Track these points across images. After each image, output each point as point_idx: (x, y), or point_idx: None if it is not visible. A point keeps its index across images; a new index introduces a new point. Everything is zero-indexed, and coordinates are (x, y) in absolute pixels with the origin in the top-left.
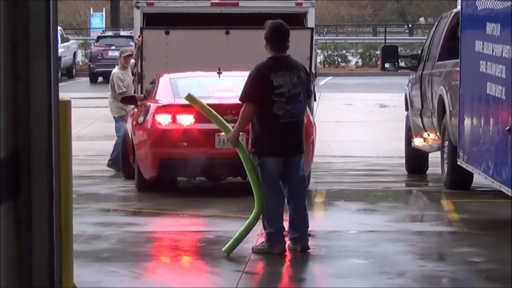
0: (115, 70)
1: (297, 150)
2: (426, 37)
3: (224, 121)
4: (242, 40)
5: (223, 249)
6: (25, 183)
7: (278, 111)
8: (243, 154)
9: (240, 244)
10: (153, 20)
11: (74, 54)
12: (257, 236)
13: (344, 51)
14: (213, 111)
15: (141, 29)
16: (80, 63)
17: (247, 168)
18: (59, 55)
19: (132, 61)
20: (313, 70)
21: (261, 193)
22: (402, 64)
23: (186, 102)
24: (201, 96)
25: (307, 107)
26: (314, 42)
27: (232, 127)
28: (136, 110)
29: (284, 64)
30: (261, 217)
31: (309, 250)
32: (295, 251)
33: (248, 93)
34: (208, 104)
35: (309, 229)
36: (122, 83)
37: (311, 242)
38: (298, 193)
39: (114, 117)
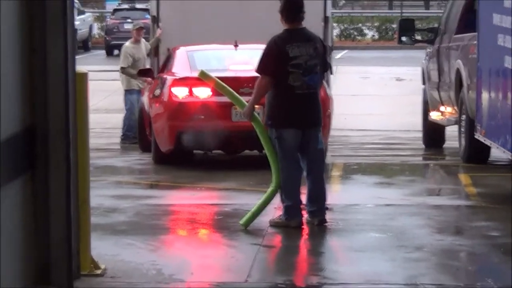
0: (126, 44)
1: (315, 122)
2: (442, 11)
3: (239, 96)
4: (259, 11)
5: (240, 222)
6: (42, 156)
7: (294, 82)
8: (260, 128)
9: (258, 218)
10: None
11: (90, 27)
12: (274, 210)
13: (360, 25)
14: (227, 86)
15: (155, 19)
16: (96, 36)
17: (263, 142)
18: (75, 28)
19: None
20: (329, 44)
21: (279, 166)
22: (418, 37)
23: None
24: (217, 69)
25: (324, 81)
26: (329, 14)
27: (247, 101)
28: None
29: (300, 36)
30: (278, 190)
31: (326, 224)
32: (313, 225)
33: (263, 65)
34: (225, 77)
35: (326, 202)
36: (128, 58)
37: (328, 216)
38: (316, 167)
39: (124, 90)
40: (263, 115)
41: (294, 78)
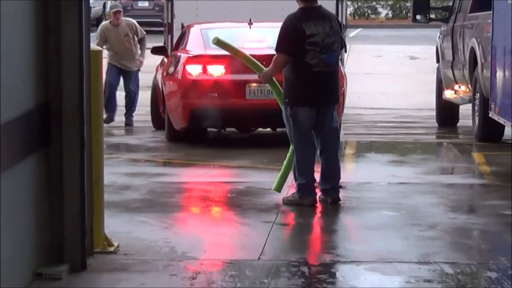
0: (104, 22)
1: (331, 99)
2: None
3: (255, 61)
4: None
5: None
6: (56, 133)
7: (311, 60)
8: (276, 90)
9: (271, 195)
10: None
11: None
12: (288, 188)
13: (374, 3)
14: (243, 52)
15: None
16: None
17: (280, 103)
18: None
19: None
20: (343, 22)
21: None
22: (433, 16)
23: (217, 52)
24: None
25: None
26: None
27: None
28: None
29: (316, 14)
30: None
31: (339, 202)
32: (326, 203)
33: (280, 44)
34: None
35: (340, 181)
36: (100, 37)
37: (342, 194)
38: (331, 145)
39: None
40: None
41: (312, 56)
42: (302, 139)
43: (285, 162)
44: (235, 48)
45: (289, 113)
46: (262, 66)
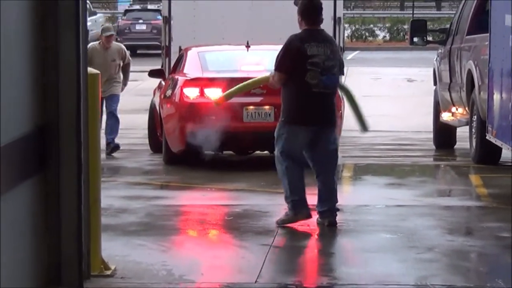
0: (93, 44)
1: (328, 121)
2: (453, 12)
3: (250, 81)
4: (269, 12)
5: (361, 131)
6: (54, 156)
7: (311, 80)
8: None
9: (268, 218)
10: None
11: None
12: (284, 210)
13: (371, 25)
14: (240, 85)
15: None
16: None
17: None
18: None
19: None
20: (340, 44)
21: (280, 164)
22: (430, 38)
23: (214, 75)
24: (229, 69)
25: None
26: (340, 15)
27: (260, 101)
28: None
29: (318, 36)
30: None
31: (337, 225)
32: (323, 225)
33: (279, 63)
34: (236, 78)
35: (337, 203)
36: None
37: (339, 217)
38: (328, 167)
39: None
40: (276, 116)
41: (312, 76)
42: (291, 158)
43: (351, 106)
44: (238, 87)
45: (283, 131)
46: (261, 77)
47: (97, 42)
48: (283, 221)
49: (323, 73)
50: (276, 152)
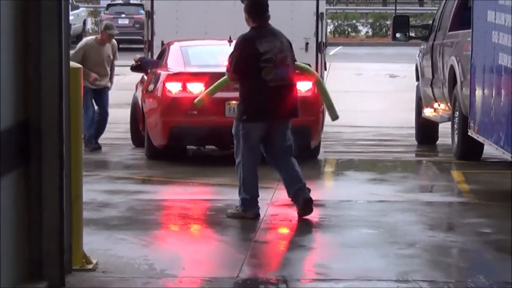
0: (89, 40)
1: (288, 114)
2: (436, 8)
3: (219, 81)
4: None
5: (332, 120)
6: (35, 151)
7: (266, 76)
8: None
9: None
10: None
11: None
12: (267, 205)
13: (354, 21)
14: (212, 86)
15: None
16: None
17: None
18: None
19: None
20: (323, 40)
21: (239, 159)
22: (413, 34)
23: (196, 70)
24: (211, 64)
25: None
26: (323, 11)
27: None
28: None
29: (267, 32)
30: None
31: (312, 201)
32: (303, 220)
33: (231, 62)
34: (218, 73)
35: (315, 196)
36: (79, 53)
37: (321, 212)
38: (287, 160)
39: None
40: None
41: (267, 72)
42: (250, 156)
43: (323, 96)
44: (210, 88)
45: (241, 128)
46: (223, 79)
47: (92, 38)
48: (233, 214)
49: (277, 67)
50: (235, 148)
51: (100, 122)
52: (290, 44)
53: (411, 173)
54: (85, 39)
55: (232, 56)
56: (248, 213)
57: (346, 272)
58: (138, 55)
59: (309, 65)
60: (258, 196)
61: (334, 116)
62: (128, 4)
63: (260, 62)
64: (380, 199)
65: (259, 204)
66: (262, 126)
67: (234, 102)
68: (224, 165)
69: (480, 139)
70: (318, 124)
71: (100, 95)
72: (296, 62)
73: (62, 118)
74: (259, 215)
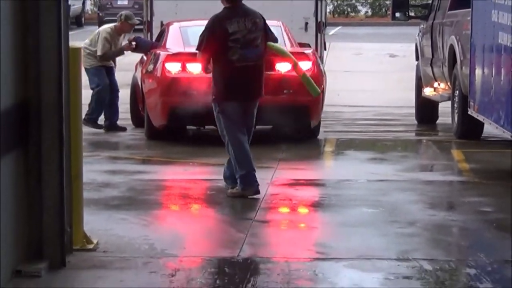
0: (108, 29)
1: (254, 95)
2: None
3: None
4: None
5: (314, 95)
6: (35, 131)
7: (232, 56)
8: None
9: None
10: None
11: (83, 3)
12: (267, 185)
13: (353, 1)
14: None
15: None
16: (89, 12)
17: None
18: (68, 3)
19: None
20: (322, 20)
21: (226, 139)
22: (412, 13)
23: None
24: None
25: (318, 57)
26: None
27: None
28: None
29: (238, 12)
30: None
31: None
32: (305, 202)
33: (202, 44)
34: None
35: (316, 176)
36: (106, 44)
37: (321, 191)
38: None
39: (85, 68)
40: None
41: (233, 52)
42: (234, 132)
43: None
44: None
45: (218, 109)
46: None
47: (110, 26)
48: (233, 193)
49: (243, 47)
50: (219, 129)
51: (116, 106)
52: (266, 24)
53: (411, 152)
54: (103, 29)
55: (201, 36)
56: (247, 191)
57: (346, 251)
58: (132, 36)
59: (308, 45)
60: (254, 170)
61: (315, 92)
62: None
63: (229, 42)
64: (380, 178)
65: (258, 181)
66: (235, 104)
67: None
68: (224, 145)
69: (480, 118)
70: (318, 104)
71: (111, 74)
72: (271, 44)
73: (62, 99)
74: (258, 192)
